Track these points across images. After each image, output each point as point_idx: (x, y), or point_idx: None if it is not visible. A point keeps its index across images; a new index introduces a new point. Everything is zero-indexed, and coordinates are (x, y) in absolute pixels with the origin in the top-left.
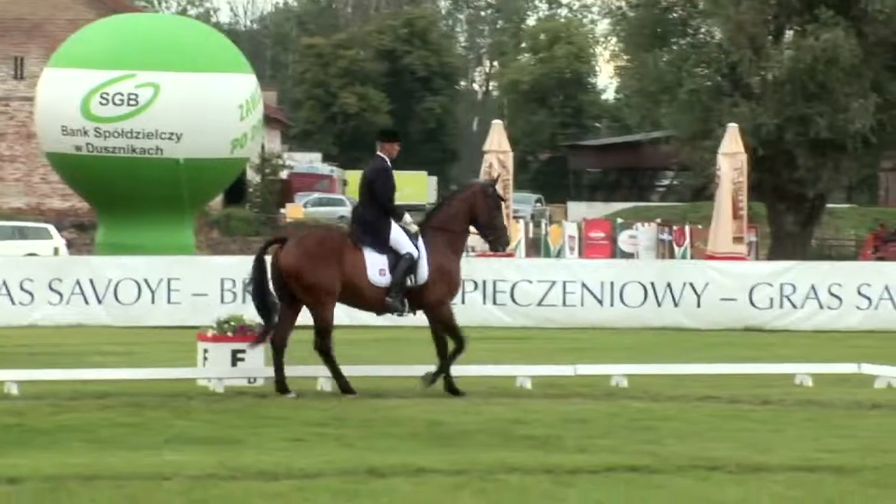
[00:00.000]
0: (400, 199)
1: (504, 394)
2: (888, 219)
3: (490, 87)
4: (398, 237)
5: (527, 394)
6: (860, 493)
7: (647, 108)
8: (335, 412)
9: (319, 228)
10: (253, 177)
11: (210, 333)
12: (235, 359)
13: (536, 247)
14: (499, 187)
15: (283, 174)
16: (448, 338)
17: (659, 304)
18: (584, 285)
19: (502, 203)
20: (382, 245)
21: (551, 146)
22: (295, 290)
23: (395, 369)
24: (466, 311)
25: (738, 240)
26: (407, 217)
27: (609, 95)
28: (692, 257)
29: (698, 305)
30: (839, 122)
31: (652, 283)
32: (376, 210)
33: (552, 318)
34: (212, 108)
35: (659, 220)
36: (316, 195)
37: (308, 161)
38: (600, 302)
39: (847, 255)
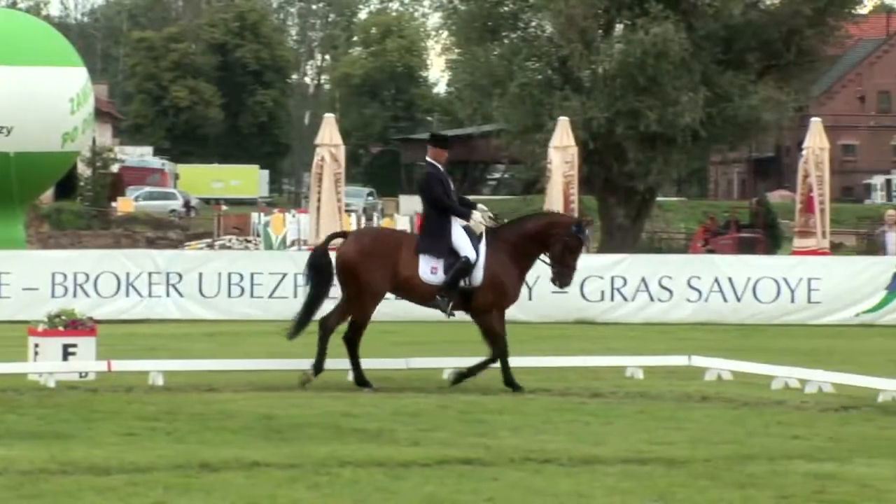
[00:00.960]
0: (228, 191)
1: (336, 387)
2: (717, 212)
3: (322, 81)
4: (459, 240)
5: (357, 387)
6: (691, 484)
7: (478, 101)
8: (167, 406)
9: (381, 228)
10: (84, 170)
11: (41, 328)
12: (67, 353)
13: None
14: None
15: (115, 168)
16: (487, 344)
17: None
18: None
19: (583, 246)
20: (441, 251)
21: (383, 140)
22: (346, 283)
23: (227, 363)
24: (298, 304)
25: None
26: (476, 215)
27: (441, 89)
28: None
29: (529, 298)
30: (669, 116)
31: None
32: (436, 217)
33: (387, 312)
34: (42, 101)
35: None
36: (147, 189)
37: (139, 155)
38: None
39: (677, 248)
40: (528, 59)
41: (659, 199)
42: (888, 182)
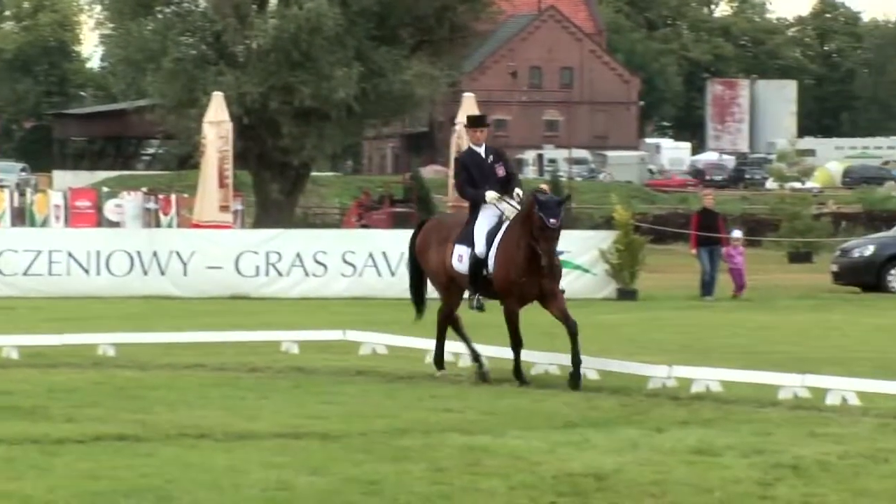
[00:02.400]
0: None
1: None
2: (372, 187)
3: None
4: (478, 230)
5: (13, 364)
6: (347, 458)
7: (132, 76)
8: None
9: (448, 215)
10: None
11: None
12: None
13: (22, 216)
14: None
15: None
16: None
17: (146, 273)
18: (70, 255)
19: (550, 230)
20: (467, 240)
21: (36, 115)
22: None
23: None
24: None
25: (224, 208)
26: (489, 195)
27: (94, 64)
28: (179, 226)
29: (185, 274)
30: (323, 91)
31: (139, 252)
32: (470, 205)
33: (38, 288)
34: None
35: (145, 189)
36: None
37: None
38: (87, 271)
39: (332, 223)
40: (182, 34)
41: (314, 174)
42: (540, 157)
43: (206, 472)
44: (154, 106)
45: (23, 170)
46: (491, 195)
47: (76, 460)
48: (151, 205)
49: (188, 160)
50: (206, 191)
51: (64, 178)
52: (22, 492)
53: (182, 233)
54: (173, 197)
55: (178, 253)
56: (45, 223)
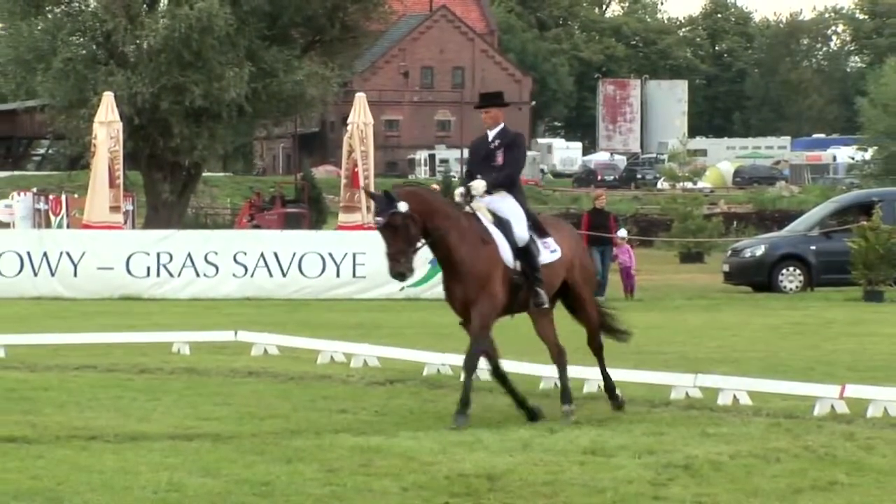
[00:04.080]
0: None
1: None
2: (264, 187)
3: None
4: None
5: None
6: (238, 459)
7: (22, 76)
8: None
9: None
10: None
11: None
12: None
13: None
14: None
15: None
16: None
17: (35, 274)
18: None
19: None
20: None
21: None
22: None
23: None
24: None
25: (115, 209)
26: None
27: None
28: (69, 226)
29: (75, 275)
30: (214, 91)
31: (28, 253)
32: None
33: None
34: None
35: (35, 190)
36: None
37: None
38: None
39: (223, 224)
40: (72, 34)
41: (205, 174)
42: (431, 157)
43: (97, 473)
44: (44, 106)
45: None
46: (458, 192)
47: None
48: (42, 205)
49: (79, 161)
50: (96, 191)
51: None
52: None
53: (72, 233)
54: (64, 197)
55: (68, 253)
56: None
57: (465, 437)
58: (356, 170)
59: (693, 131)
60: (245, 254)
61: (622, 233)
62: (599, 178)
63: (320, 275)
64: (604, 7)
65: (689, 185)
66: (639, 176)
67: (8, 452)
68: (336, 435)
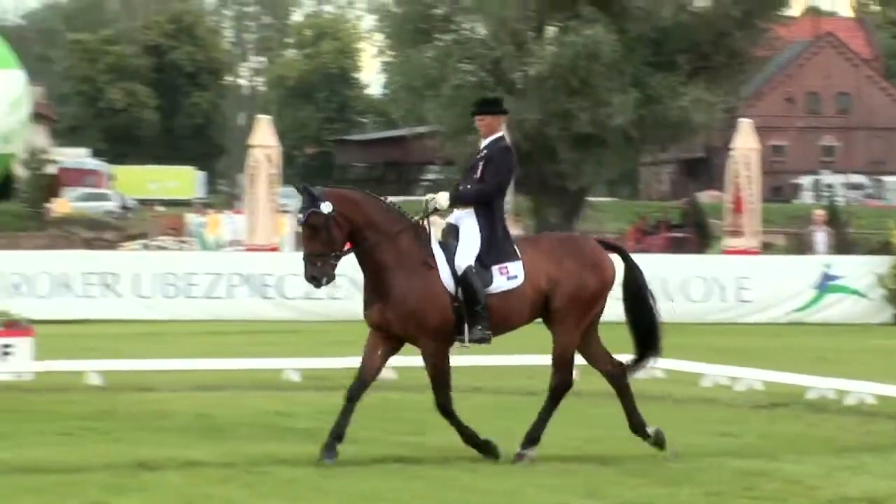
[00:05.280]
0: (165, 192)
1: (269, 386)
2: (649, 212)
3: (257, 83)
4: None
5: (293, 386)
6: (623, 482)
7: (411, 103)
8: (103, 406)
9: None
10: (21, 172)
11: None
12: (4, 353)
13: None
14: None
15: (51, 169)
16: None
17: None
18: (350, 279)
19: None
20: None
21: (317, 141)
22: None
23: (163, 363)
24: (234, 304)
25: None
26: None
27: (374, 91)
28: None
29: None
30: (600, 118)
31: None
32: None
33: (319, 312)
34: None
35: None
36: (83, 190)
37: (76, 156)
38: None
39: None
40: (461, 61)
41: (591, 199)
42: (816, 182)
43: (481, 494)
44: (433, 132)
45: None
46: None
47: (355, 482)
48: None
49: None
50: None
51: None
52: None
53: None
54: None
55: None
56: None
57: (849, 461)
58: (740, 195)
59: None
60: None
61: None
62: None
63: (705, 299)
64: None
65: None
66: None
67: (393, 472)
68: (718, 458)
